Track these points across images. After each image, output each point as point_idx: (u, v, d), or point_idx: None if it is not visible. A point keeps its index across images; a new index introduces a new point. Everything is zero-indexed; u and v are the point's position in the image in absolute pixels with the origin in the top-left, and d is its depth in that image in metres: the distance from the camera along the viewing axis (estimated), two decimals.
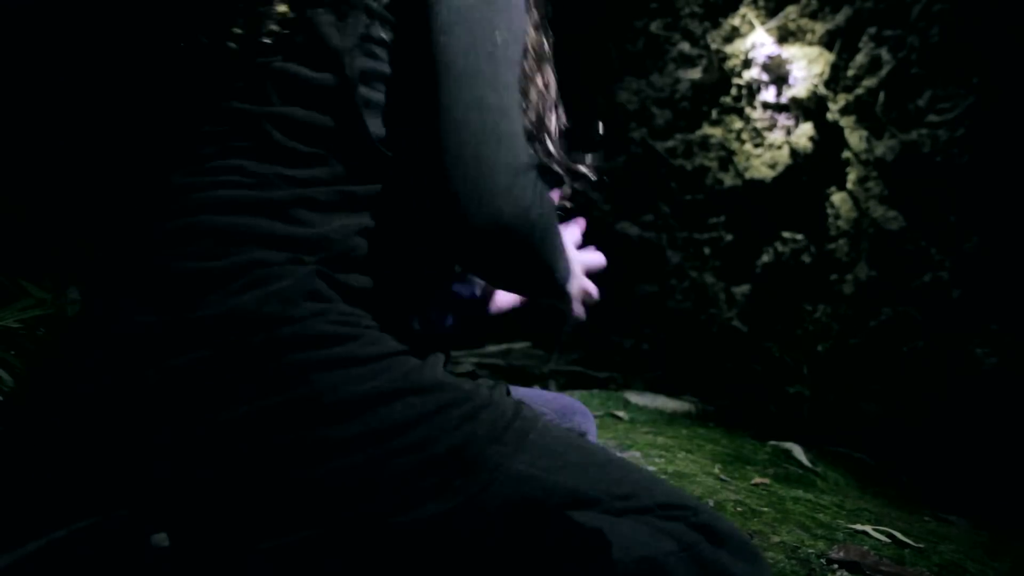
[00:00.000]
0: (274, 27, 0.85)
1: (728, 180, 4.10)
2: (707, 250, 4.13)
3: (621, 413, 2.58)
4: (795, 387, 3.20)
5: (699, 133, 4.21)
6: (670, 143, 4.28)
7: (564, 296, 1.05)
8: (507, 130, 0.83)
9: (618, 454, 1.96)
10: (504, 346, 3.35)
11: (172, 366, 0.77)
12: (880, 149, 3.72)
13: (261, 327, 0.79)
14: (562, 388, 3.33)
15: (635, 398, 2.83)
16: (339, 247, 0.86)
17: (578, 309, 1.18)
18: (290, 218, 0.83)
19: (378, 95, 0.88)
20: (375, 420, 0.79)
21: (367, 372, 0.81)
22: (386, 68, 0.88)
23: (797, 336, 3.67)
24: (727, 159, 4.12)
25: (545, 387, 3.30)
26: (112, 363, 0.79)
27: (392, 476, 0.78)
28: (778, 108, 4.07)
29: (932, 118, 3.66)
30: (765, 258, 3.97)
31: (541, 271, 0.95)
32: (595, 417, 2.46)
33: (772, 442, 2.40)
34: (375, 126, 0.87)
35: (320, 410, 0.78)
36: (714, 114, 4.21)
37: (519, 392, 1.27)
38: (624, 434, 2.21)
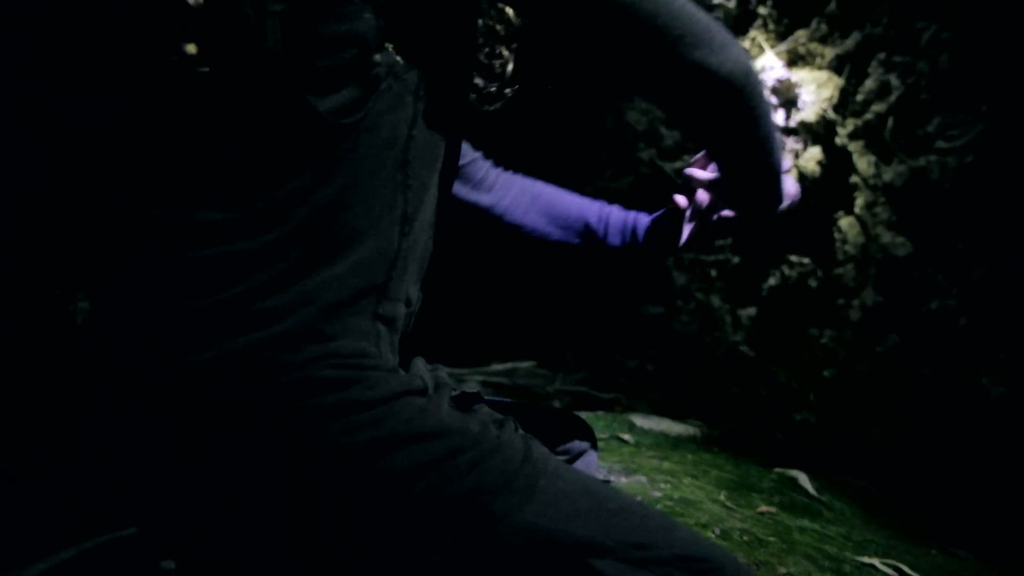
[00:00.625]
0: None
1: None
2: (713, 272, 4.13)
3: (626, 436, 2.57)
4: (801, 414, 3.18)
5: None
6: (678, 164, 4.28)
7: (776, 171, 1.02)
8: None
9: (624, 479, 1.95)
10: (510, 365, 3.34)
11: (165, 416, 0.76)
12: (888, 175, 3.73)
13: (259, 375, 0.77)
14: (566, 408, 3.33)
15: (640, 421, 2.82)
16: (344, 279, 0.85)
17: (791, 188, 1.18)
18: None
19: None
20: (376, 473, 0.77)
21: (368, 419, 0.78)
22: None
23: (803, 361, 3.65)
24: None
25: None
26: (109, 401, 0.78)
27: (396, 530, 0.77)
28: (787, 131, 4.08)
29: (941, 144, 3.66)
30: (772, 281, 3.96)
31: (768, 126, 0.95)
32: (600, 440, 2.45)
33: (778, 469, 2.39)
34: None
35: (320, 463, 0.76)
36: None
37: (523, 408, 1.25)
38: (629, 458, 2.20)
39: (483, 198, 1.29)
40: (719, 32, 0.85)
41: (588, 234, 1.30)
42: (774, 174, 1.01)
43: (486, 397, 1.12)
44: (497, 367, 3.26)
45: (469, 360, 3.26)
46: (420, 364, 1.00)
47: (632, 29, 0.81)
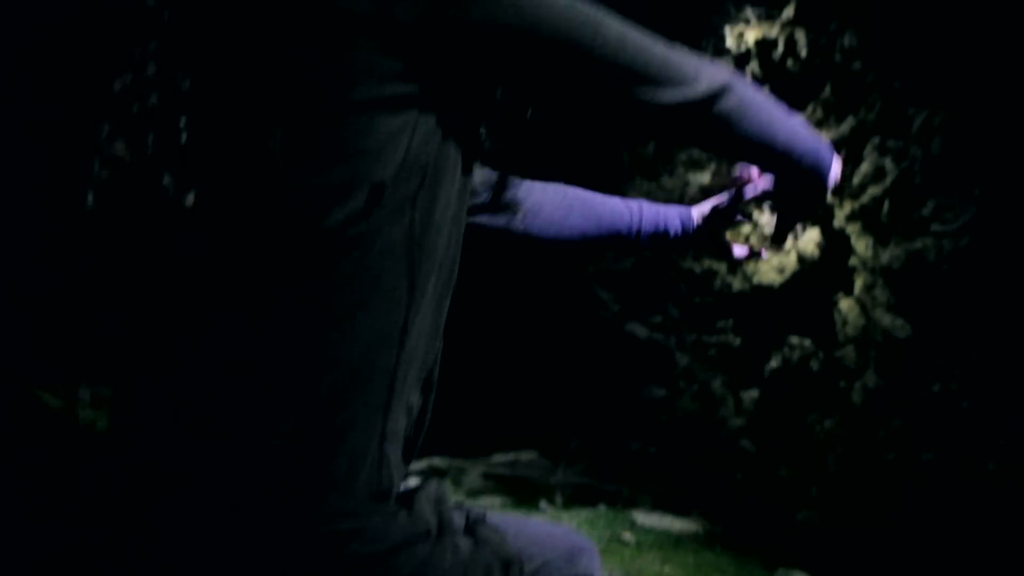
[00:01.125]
0: None
1: (737, 284, 4.14)
2: (715, 353, 4.15)
3: (627, 535, 2.56)
4: (803, 513, 3.16)
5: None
6: None
7: (816, 151, 0.99)
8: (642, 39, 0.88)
9: None
10: (511, 456, 3.35)
11: (161, 561, 0.79)
12: (886, 257, 3.77)
13: (247, 536, 0.79)
14: (568, 501, 3.31)
15: (642, 518, 2.80)
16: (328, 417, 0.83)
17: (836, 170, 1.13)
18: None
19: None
20: None
21: None
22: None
23: (805, 449, 3.64)
24: (735, 263, 4.17)
25: (551, 501, 3.28)
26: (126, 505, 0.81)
27: None
28: None
29: (936, 227, 3.71)
30: (773, 363, 3.98)
31: (777, 118, 0.95)
32: (601, 541, 2.43)
33: (781, 569, 2.37)
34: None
35: None
36: None
37: (528, 528, 1.21)
38: (630, 561, 2.20)
39: (513, 224, 1.23)
40: (686, 63, 0.88)
41: (622, 238, 1.26)
42: (800, 155, 0.98)
43: (489, 515, 1.07)
44: (499, 458, 3.27)
45: (471, 450, 3.28)
46: (423, 498, 0.96)
47: (611, 81, 0.85)
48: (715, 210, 1.23)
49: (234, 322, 0.82)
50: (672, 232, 1.22)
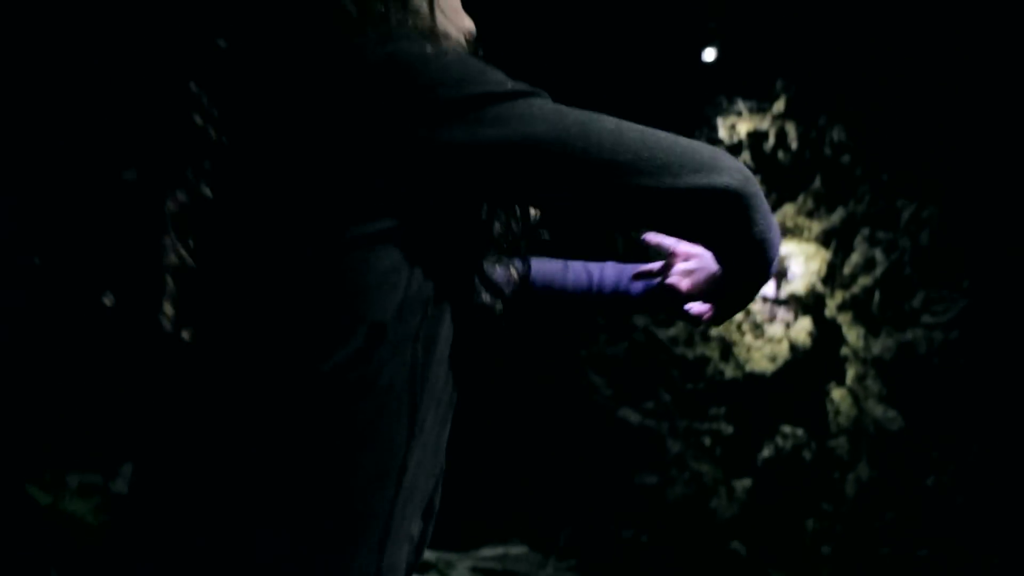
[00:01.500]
0: None
1: (729, 371, 4.14)
2: (707, 441, 4.12)
3: None
4: None
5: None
6: (672, 331, 4.36)
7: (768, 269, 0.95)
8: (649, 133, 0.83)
9: None
10: (501, 550, 3.29)
11: None
12: (877, 347, 3.78)
13: None
14: None
15: None
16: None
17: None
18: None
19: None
20: None
21: None
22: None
23: (798, 549, 3.59)
24: (728, 350, 4.18)
25: None
26: None
27: None
28: (778, 302, 4.17)
29: (927, 319, 3.73)
30: (766, 452, 3.94)
31: (768, 229, 0.89)
32: None
33: None
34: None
35: None
36: None
37: None
38: None
39: None
40: (706, 153, 0.84)
41: (583, 297, 1.22)
42: (767, 272, 0.95)
43: None
44: (487, 552, 3.21)
45: (459, 541, 3.22)
46: None
47: (610, 179, 0.81)
48: (643, 275, 1.16)
49: (228, 464, 0.80)
50: (634, 293, 1.16)
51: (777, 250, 0.94)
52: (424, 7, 0.86)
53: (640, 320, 4.50)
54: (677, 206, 0.83)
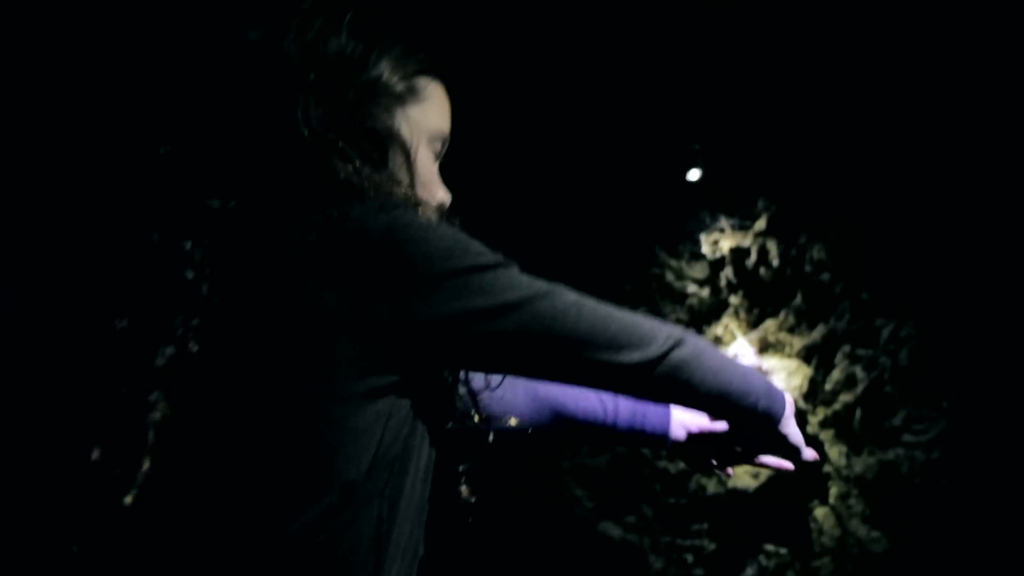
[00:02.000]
0: None
1: (711, 487, 4.11)
2: (690, 558, 4.05)
3: None
4: None
5: None
6: None
7: (760, 415, 0.99)
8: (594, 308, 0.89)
9: None
10: None
11: None
12: (860, 466, 3.77)
13: None
14: None
15: None
16: None
17: (798, 445, 1.09)
18: None
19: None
20: None
21: None
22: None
23: None
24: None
25: None
26: None
27: None
28: None
29: (908, 438, 3.74)
30: (750, 571, 3.88)
31: (721, 378, 0.95)
32: None
33: None
34: None
35: None
36: None
37: None
38: None
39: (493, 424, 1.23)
40: (643, 325, 0.90)
41: (597, 431, 1.25)
42: (755, 399, 0.99)
43: None
44: None
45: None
46: None
47: (573, 353, 0.86)
48: (709, 438, 1.22)
49: None
50: (649, 430, 1.22)
51: (746, 392, 0.98)
52: (405, 178, 0.91)
53: None
54: (631, 379, 0.90)
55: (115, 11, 2.43)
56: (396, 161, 0.91)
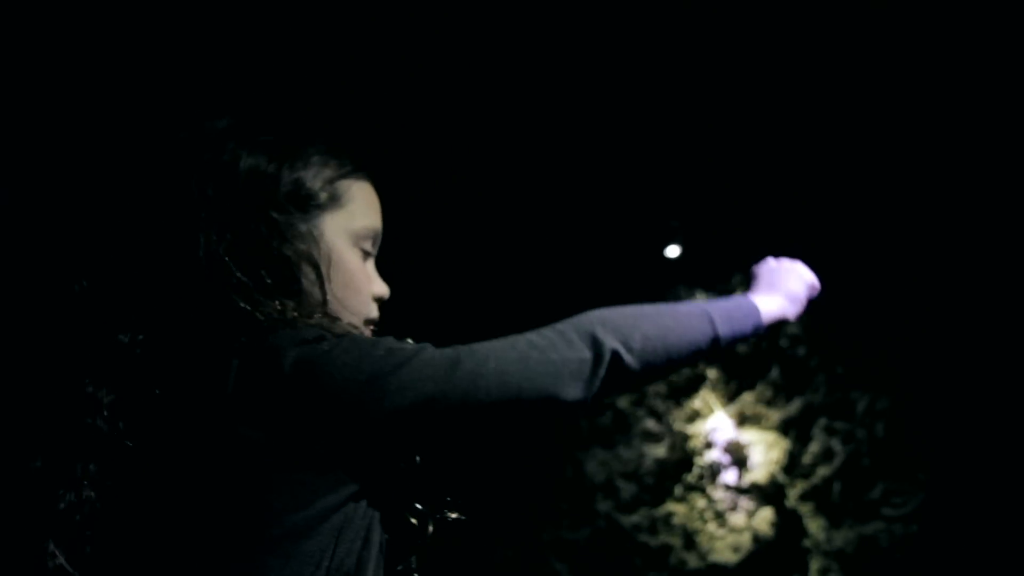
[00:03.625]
0: None
1: (692, 561, 4.09)
2: None
3: None
4: None
5: (663, 509, 4.28)
6: (635, 518, 4.32)
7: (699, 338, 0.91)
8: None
9: None
10: None
11: None
12: (839, 540, 3.78)
13: None
14: None
15: None
16: None
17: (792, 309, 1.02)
18: None
19: None
20: None
21: None
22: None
23: None
24: (691, 539, 4.14)
25: None
26: None
27: None
28: (739, 490, 4.18)
29: (887, 511, 3.76)
30: None
31: (653, 331, 0.88)
32: None
33: None
34: None
35: None
36: (678, 491, 4.31)
37: None
38: None
39: None
40: (556, 349, 0.84)
41: None
42: (731, 341, 0.93)
43: None
44: None
45: None
46: None
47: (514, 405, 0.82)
48: None
49: None
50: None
51: (692, 341, 0.91)
52: (318, 296, 0.90)
53: (603, 506, 4.47)
54: (579, 407, 0.86)
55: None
56: (308, 280, 0.89)
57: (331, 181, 0.93)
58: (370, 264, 0.97)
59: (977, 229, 3.56)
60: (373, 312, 0.96)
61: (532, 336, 0.87)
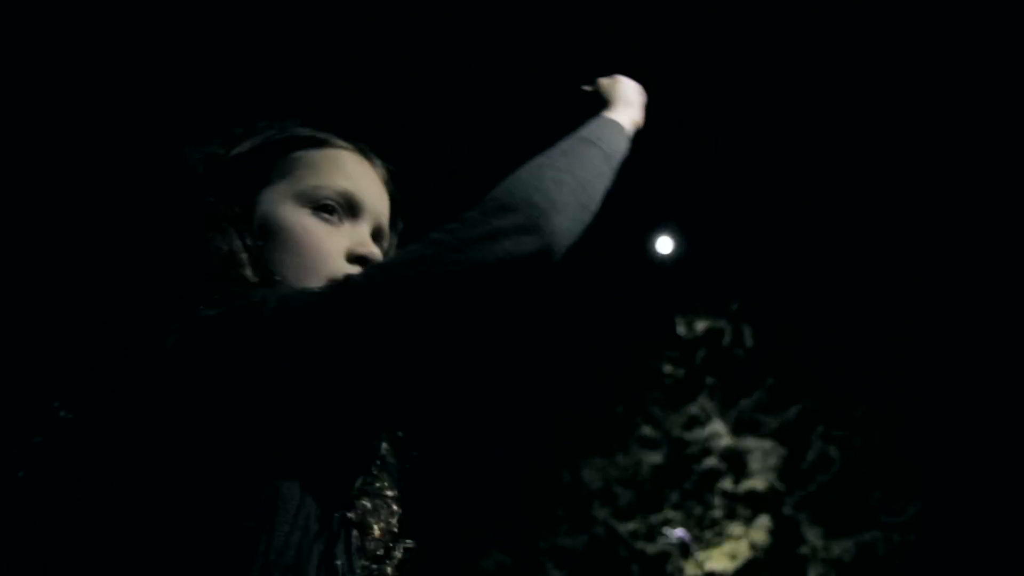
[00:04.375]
0: None
1: (690, 569, 4.07)
2: None
3: None
4: None
5: (660, 516, 4.27)
6: (632, 525, 4.31)
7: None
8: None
9: None
10: None
11: None
12: (837, 549, 3.76)
13: None
14: None
15: None
16: None
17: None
18: None
19: None
20: None
21: None
22: None
23: None
24: (687, 547, 4.13)
25: None
26: None
27: None
28: (736, 497, 4.17)
29: (885, 519, 3.75)
30: None
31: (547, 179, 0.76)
32: None
33: None
34: None
35: None
36: (675, 498, 4.29)
37: None
38: None
39: None
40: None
41: None
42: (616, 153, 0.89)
43: None
44: None
45: None
46: None
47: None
48: None
49: None
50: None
51: (596, 171, 0.83)
52: (262, 267, 0.84)
53: (600, 513, 4.45)
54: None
55: None
56: (242, 256, 0.83)
57: (268, 153, 0.90)
58: (346, 224, 0.90)
59: (975, 236, 3.55)
60: (339, 268, 0.87)
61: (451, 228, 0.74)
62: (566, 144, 0.84)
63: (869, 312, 3.96)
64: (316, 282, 0.81)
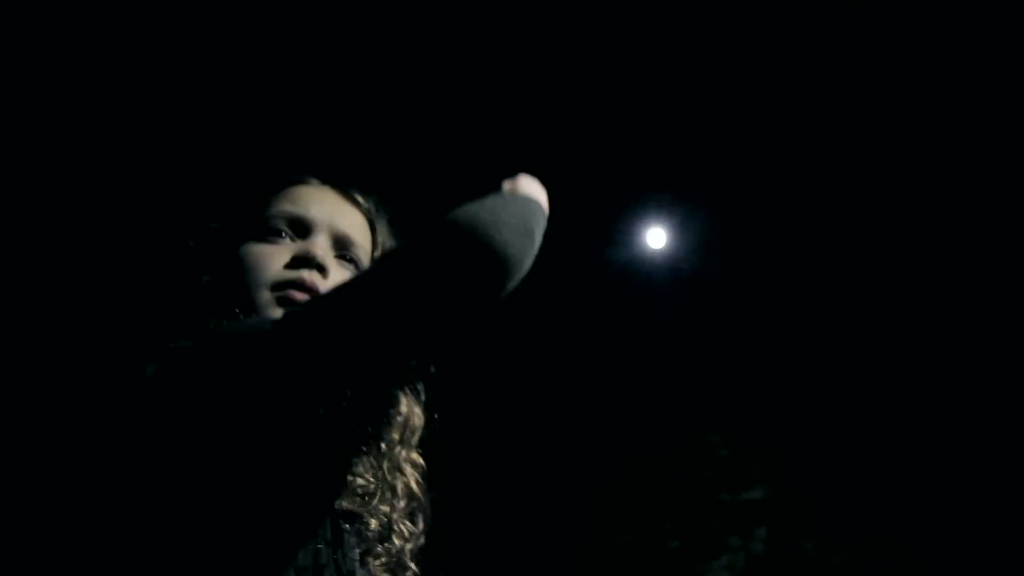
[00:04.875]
0: None
1: None
2: None
3: None
4: None
5: (657, 527, 4.23)
6: (627, 536, 4.27)
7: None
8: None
9: None
10: None
11: None
12: (836, 560, 3.72)
13: None
14: None
15: None
16: None
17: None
18: None
19: None
20: None
21: None
22: None
23: None
24: (684, 557, 4.09)
25: None
26: None
27: None
28: (734, 507, 4.13)
29: (884, 529, 3.71)
30: None
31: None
32: None
33: None
34: None
35: None
36: (671, 508, 4.26)
37: None
38: None
39: None
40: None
41: None
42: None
43: None
44: None
45: None
46: None
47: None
48: None
49: None
50: None
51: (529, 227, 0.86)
52: (222, 299, 0.97)
53: (595, 524, 4.41)
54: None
55: None
56: (217, 289, 0.97)
57: (244, 210, 1.02)
58: (297, 242, 1.00)
59: (974, 238, 3.52)
60: (281, 276, 0.96)
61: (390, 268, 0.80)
62: (520, 204, 0.87)
63: (869, 313, 3.92)
64: (263, 295, 0.92)
